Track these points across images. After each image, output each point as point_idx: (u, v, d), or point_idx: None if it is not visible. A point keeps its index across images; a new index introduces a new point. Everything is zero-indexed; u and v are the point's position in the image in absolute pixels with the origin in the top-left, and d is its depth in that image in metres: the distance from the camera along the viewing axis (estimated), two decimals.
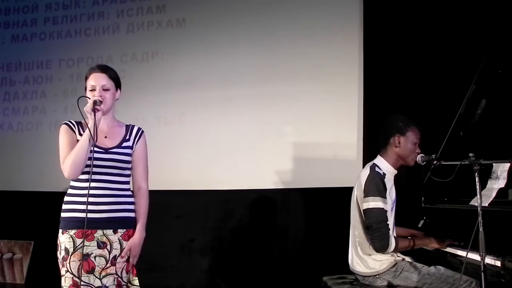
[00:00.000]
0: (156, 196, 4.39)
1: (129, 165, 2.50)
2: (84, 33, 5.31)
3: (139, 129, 2.60)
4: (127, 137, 2.54)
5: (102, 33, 5.25)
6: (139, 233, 2.48)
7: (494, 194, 2.70)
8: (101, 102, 2.38)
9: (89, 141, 2.31)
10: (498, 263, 2.30)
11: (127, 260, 2.44)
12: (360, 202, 2.77)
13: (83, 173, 2.37)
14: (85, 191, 2.33)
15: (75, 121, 2.48)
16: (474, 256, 2.34)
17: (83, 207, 2.32)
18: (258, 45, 4.67)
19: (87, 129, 2.32)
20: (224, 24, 4.81)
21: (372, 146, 3.66)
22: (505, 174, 2.72)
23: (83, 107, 2.39)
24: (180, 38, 4.97)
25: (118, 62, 5.06)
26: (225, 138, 4.67)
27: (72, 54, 5.26)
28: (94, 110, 2.33)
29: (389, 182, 2.81)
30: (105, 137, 2.47)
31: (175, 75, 4.91)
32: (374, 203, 2.68)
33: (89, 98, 2.40)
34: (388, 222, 2.68)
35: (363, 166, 3.07)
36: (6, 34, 5.59)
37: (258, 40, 4.68)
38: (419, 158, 2.78)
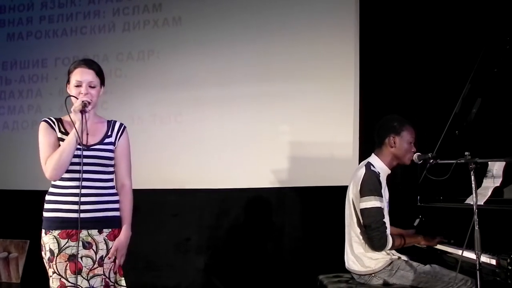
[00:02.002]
0: (152, 195, 4.45)
1: (112, 162, 2.43)
2: (80, 31, 5.29)
3: (121, 124, 2.52)
4: (109, 133, 2.46)
5: (98, 31, 5.24)
6: (125, 232, 2.41)
7: (489, 193, 2.71)
8: (89, 103, 2.31)
9: (76, 142, 2.25)
10: (493, 262, 2.30)
11: (114, 260, 2.38)
12: (356, 202, 2.77)
13: (66, 171, 2.30)
14: (68, 190, 2.29)
15: (54, 118, 2.39)
16: (470, 255, 2.35)
17: (66, 206, 2.28)
18: (254, 44, 4.66)
19: (73, 130, 2.25)
20: (220, 23, 4.80)
21: (368, 145, 3.65)
22: (501, 173, 2.73)
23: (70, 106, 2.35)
24: (176, 37, 4.95)
25: (114, 60, 5.06)
26: (221, 137, 4.66)
27: (68, 52, 5.23)
28: (83, 111, 2.26)
29: (383, 181, 2.82)
30: (87, 134, 2.36)
31: (171, 74, 4.90)
32: (371, 202, 2.68)
33: (77, 98, 2.33)
34: (384, 221, 2.69)
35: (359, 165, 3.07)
36: (2, 33, 5.56)
37: (254, 39, 4.67)
38: (415, 156, 2.78)
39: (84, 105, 2.28)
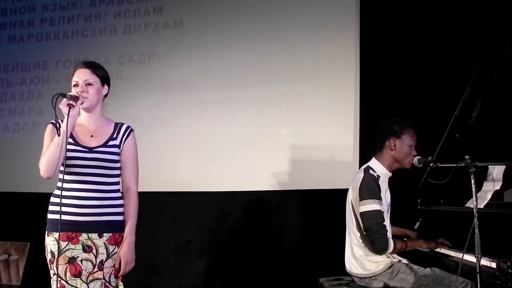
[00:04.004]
0: (153, 198, 4.45)
1: (116, 165, 2.40)
2: (81, 34, 5.30)
3: (128, 127, 2.49)
4: (114, 136, 2.43)
5: (99, 34, 5.25)
6: (128, 239, 2.36)
7: (489, 196, 2.72)
8: (77, 97, 2.28)
9: (66, 138, 2.22)
10: (494, 265, 2.31)
11: (115, 265, 2.35)
12: (356, 205, 2.78)
13: (68, 173, 2.30)
14: (69, 193, 2.29)
15: (61, 120, 2.31)
16: (470, 258, 2.35)
17: (67, 209, 2.27)
18: (255, 47, 4.67)
19: (62, 126, 2.23)
20: (221, 26, 4.81)
21: (369, 148, 3.65)
22: (501, 176, 2.74)
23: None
24: (177, 40, 4.96)
25: (115, 63, 5.06)
26: (222, 140, 4.67)
27: (69, 55, 5.24)
28: (69, 105, 2.24)
29: (384, 184, 2.82)
30: (91, 136, 2.38)
31: (172, 76, 4.91)
32: (371, 205, 2.68)
33: (65, 96, 2.29)
34: (385, 224, 2.69)
35: (359, 168, 3.07)
36: (3, 35, 5.58)
37: (254, 42, 4.68)
38: (415, 160, 2.79)
39: (72, 98, 2.26)
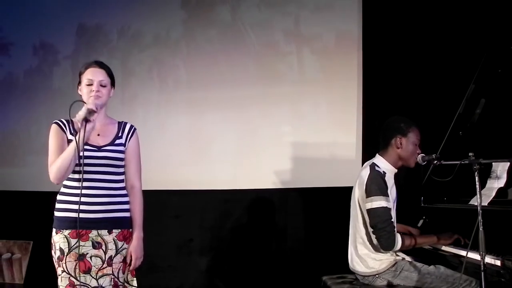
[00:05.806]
0: (155, 196, 4.44)
1: (122, 163, 2.46)
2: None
3: (131, 126, 2.56)
4: (120, 135, 2.49)
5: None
6: (137, 235, 2.45)
7: (493, 194, 2.70)
8: (94, 112, 2.31)
9: (78, 147, 2.26)
10: (498, 263, 2.30)
11: (123, 260, 2.42)
12: (362, 202, 2.77)
13: (75, 172, 2.33)
14: (78, 191, 2.31)
15: (65, 120, 2.41)
16: (474, 256, 2.34)
17: (76, 207, 2.30)
18: (257, 45, 4.66)
19: (76, 137, 2.27)
20: (223, 24, 4.80)
21: (371, 145, 3.65)
22: (505, 174, 2.72)
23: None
24: (178, 39, 4.96)
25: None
26: (223, 138, 4.66)
27: (70, 55, 5.24)
28: (86, 120, 2.28)
29: (390, 180, 2.81)
30: (98, 134, 2.43)
31: (173, 75, 4.90)
32: (377, 202, 2.67)
33: (84, 102, 2.35)
34: (392, 220, 2.68)
35: (362, 166, 3.06)
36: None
37: (256, 40, 4.67)
38: (419, 158, 2.78)
39: (89, 112, 2.30)
